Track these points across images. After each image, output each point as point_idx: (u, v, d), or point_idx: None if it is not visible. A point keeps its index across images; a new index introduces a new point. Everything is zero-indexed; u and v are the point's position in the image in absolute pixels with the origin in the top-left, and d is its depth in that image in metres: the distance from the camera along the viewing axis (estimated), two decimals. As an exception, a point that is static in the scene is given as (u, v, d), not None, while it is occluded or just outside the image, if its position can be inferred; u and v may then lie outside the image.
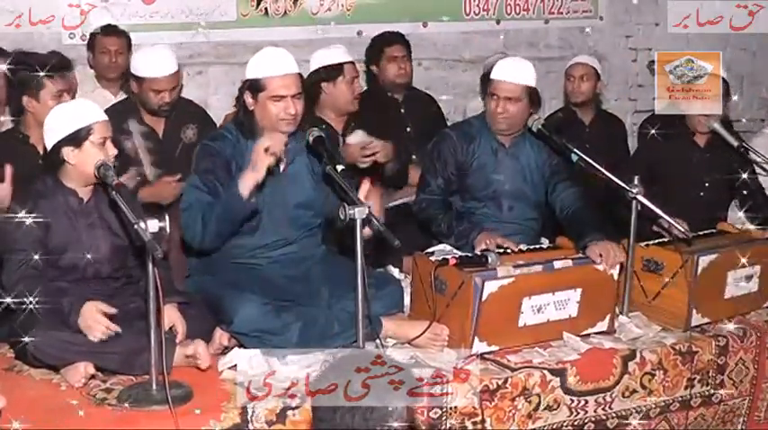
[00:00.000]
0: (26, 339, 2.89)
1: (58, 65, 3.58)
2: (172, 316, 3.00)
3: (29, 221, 2.97)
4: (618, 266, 3.33)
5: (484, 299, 3.09)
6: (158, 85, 3.95)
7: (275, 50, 3.36)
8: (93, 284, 3.11)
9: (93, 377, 2.92)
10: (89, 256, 3.08)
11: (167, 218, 2.73)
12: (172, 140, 4.12)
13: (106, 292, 3.11)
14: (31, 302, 2.85)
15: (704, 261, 3.41)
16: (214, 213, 3.15)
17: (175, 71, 4.01)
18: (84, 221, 3.09)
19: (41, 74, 3.48)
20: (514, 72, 3.69)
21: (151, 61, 3.95)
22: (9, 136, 3.62)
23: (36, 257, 2.96)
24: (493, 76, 3.73)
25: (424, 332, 3.19)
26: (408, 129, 4.79)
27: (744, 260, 3.48)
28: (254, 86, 3.27)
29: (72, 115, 3.01)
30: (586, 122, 4.89)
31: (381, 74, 4.84)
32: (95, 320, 2.88)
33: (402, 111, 4.87)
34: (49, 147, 3.04)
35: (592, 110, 4.94)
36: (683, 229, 3.42)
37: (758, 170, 4.28)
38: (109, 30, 4.53)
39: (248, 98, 3.29)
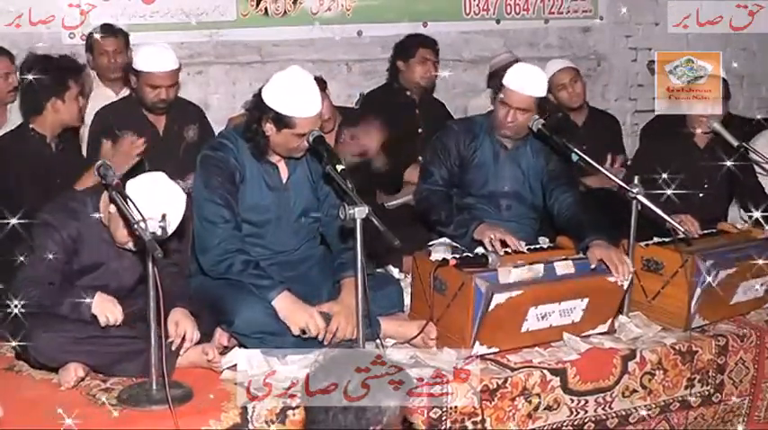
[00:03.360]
0: (26, 340, 2.90)
1: (77, 67, 3.66)
2: (184, 321, 3.00)
3: (57, 236, 2.97)
4: (630, 277, 3.32)
5: (491, 309, 3.07)
6: (155, 80, 3.97)
7: (308, 85, 3.18)
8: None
9: (83, 379, 2.93)
10: (112, 282, 3.08)
11: (167, 218, 2.73)
12: (172, 138, 4.13)
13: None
14: (26, 307, 2.85)
15: (723, 274, 3.40)
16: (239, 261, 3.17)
17: (174, 69, 4.02)
18: (115, 250, 3.06)
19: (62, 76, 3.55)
20: (529, 83, 3.65)
21: (151, 56, 3.97)
22: (23, 134, 3.63)
23: (47, 269, 2.95)
24: (507, 83, 3.68)
25: (420, 333, 3.20)
26: (420, 131, 4.81)
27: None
28: (281, 121, 3.16)
29: (148, 196, 2.81)
30: (579, 124, 4.88)
31: (407, 71, 4.90)
32: (107, 308, 2.91)
33: (417, 112, 4.91)
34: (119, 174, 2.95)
35: (584, 111, 4.92)
36: (682, 229, 3.42)
37: (758, 170, 4.28)
38: (106, 31, 4.52)
39: (270, 126, 3.20)
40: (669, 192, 3.74)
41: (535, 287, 3.15)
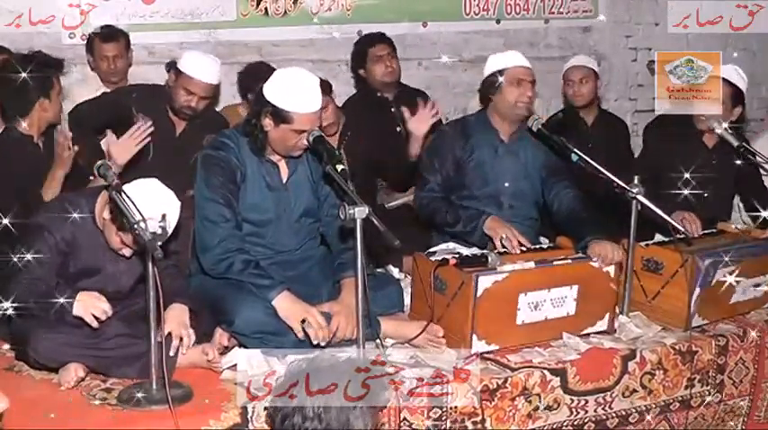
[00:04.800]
0: (25, 342, 2.90)
1: (58, 63, 3.61)
2: (179, 321, 2.99)
3: (51, 239, 2.95)
4: (613, 265, 3.33)
5: (479, 294, 3.09)
6: (191, 85, 4.02)
7: (308, 83, 3.19)
8: None
9: (83, 379, 2.92)
10: (110, 286, 3.06)
11: (167, 218, 2.73)
12: (187, 143, 4.11)
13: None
14: (22, 309, 2.85)
15: (721, 273, 3.40)
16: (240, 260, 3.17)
17: (213, 84, 4.10)
18: (111, 254, 3.04)
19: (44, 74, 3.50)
20: (518, 56, 3.75)
21: (197, 62, 4.05)
22: (11, 136, 3.60)
23: (42, 271, 2.94)
24: (507, 64, 3.71)
25: (421, 332, 3.20)
26: (399, 129, 4.75)
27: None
28: (279, 115, 3.16)
29: (147, 198, 2.77)
30: (589, 122, 4.89)
31: (369, 75, 4.84)
32: (90, 306, 2.88)
33: (393, 110, 4.83)
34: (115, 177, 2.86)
35: (594, 110, 4.94)
36: (682, 229, 3.42)
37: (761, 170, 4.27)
38: (106, 35, 4.52)
39: (268, 121, 3.20)
40: (685, 191, 3.77)
41: (521, 272, 3.17)
